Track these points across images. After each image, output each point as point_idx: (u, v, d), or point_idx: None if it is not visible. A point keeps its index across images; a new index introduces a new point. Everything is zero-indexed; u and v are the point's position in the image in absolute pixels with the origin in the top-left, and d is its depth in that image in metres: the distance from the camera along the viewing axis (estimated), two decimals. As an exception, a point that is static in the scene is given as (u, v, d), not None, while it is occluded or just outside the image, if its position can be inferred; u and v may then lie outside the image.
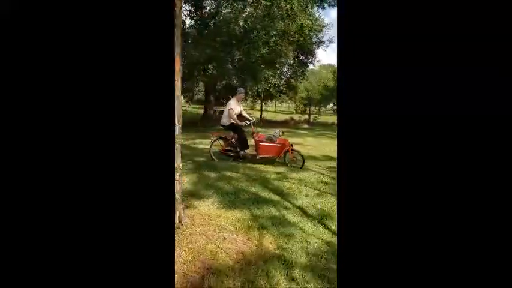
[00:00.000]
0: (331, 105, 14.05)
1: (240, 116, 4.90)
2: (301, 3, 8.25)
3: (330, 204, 2.93)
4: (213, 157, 4.87)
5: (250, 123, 4.94)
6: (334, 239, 2.17)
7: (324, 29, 11.43)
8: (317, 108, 14.53)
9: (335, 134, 10.23)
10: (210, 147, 5.01)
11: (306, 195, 3.17)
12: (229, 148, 4.88)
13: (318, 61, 13.09)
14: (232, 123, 4.72)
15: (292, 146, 4.71)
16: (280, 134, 4.86)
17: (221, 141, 4.97)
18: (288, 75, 11.54)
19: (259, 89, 9.42)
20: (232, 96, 5.12)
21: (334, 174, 4.14)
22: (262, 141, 4.74)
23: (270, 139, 4.75)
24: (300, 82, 12.50)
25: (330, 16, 78.76)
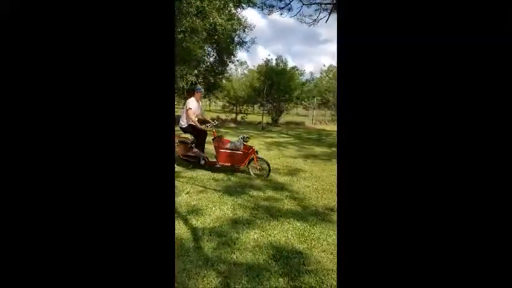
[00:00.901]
0: (258, 105, 14.41)
1: (199, 118, 4.40)
2: (215, 1, 8.24)
3: (207, 200, 2.96)
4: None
5: (211, 126, 4.40)
6: (186, 234, 2.17)
7: (246, 30, 11.72)
8: (244, 107, 14.81)
9: (257, 132, 10.61)
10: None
11: (187, 193, 3.15)
12: (189, 153, 4.33)
13: (238, 60, 13.27)
14: (191, 125, 4.17)
15: (257, 153, 4.16)
16: (247, 139, 4.26)
17: (181, 145, 4.42)
18: (212, 74, 11.48)
19: (179, 86, 9.14)
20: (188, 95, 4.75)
21: (229, 171, 4.21)
22: (222, 148, 4.15)
23: (233, 145, 4.17)
24: (221, 81, 12.56)
25: (267, 18, 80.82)
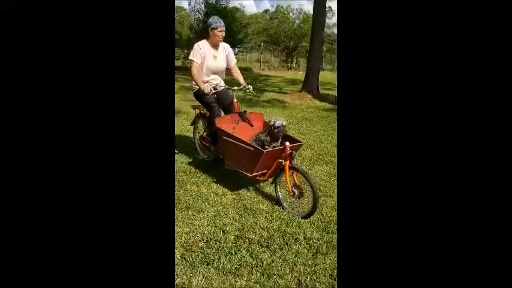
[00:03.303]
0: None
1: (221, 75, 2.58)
2: None
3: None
4: (200, 152, 2.77)
5: (232, 92, 2.49)
6: None
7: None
8: (186, 51, 13.93)
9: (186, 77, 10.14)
10: (194, 132, 2.83)
11: None
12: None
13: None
14: (198, 89, 2.41)
15: (292, 158, 2.01)
16: (283, 129, 2.15)
17: (202, 120, 2.81)
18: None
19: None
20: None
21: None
22: (229, 136, 2.18)
23: (259, 138, 2.16)
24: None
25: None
